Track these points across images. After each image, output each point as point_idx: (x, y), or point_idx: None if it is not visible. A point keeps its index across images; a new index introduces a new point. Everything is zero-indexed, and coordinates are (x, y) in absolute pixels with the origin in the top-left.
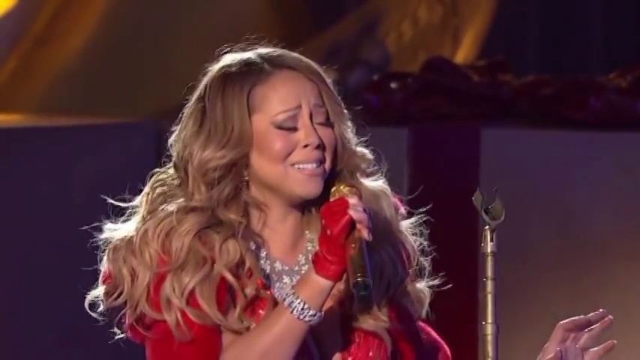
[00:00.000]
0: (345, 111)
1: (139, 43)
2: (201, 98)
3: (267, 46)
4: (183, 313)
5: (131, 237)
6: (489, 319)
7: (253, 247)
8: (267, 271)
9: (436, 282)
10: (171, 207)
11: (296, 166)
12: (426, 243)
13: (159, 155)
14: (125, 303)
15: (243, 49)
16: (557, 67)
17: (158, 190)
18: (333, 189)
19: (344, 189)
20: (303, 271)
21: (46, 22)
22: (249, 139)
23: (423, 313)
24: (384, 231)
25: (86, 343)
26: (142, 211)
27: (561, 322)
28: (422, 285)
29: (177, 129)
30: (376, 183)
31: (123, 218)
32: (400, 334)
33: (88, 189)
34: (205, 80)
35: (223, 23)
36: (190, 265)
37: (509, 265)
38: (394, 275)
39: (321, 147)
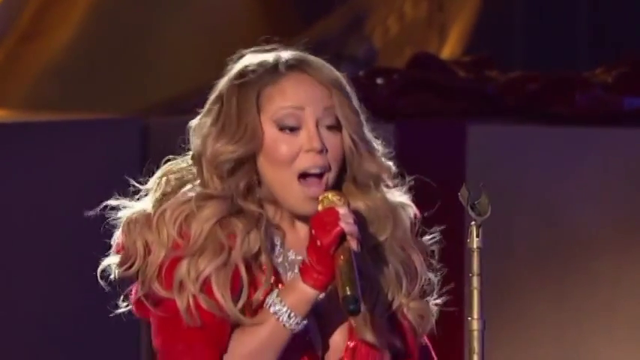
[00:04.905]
0: (363, 119)
1: (124, 38)
2: (220, 97)
3: (289, 49)
4: (195, 299)
5: (149, 213)
6: (475, 315)
7: (271, 240)
8: (280, 260)
9: (439, 301)
10: (191, 193)
11: (301, 179)
12: (435, 262)
13: (144, 151)
14: (135, 275)
15: (267, 51)
16: (543, 62)
17: (172, 176)
18: (321, 197)
19: (333, 197)
20: None
21: (31, 17)
22: (259, 139)
23: (427, 330)
24: (392, 245)
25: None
26: (155, 193)
27: None
28: (428, 303)
29: (195, 126)
30: (396, 197)
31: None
32: (401, 350)
33: (73, 184)
34: (225, 79)
35: (209, 19)
36: (208, 252)
37: (495, 261)
38: (398, 290)
39: (324, 152)
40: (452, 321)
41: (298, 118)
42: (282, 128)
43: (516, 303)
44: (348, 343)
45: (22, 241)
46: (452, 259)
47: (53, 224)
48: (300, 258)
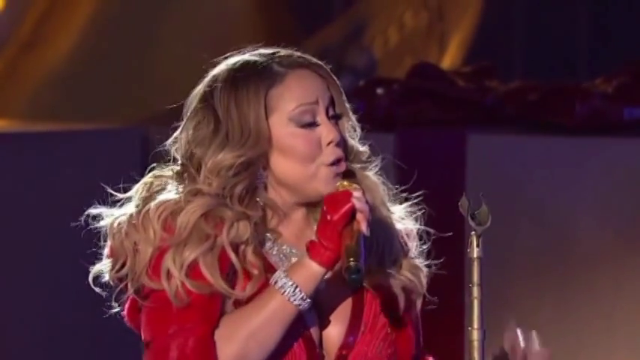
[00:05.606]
0: (348, 105)
1: (125, 48)
2: (209, 102)
3: (265, 48)
4: (183, 284)
5: (132, 214)
6: (475, 325)
7: (263, 237)
8: (275, 252)
9: (430, 261)
10: (178, 191)
11: (330, 167)
12: (421, 227)
13: (145, 161)
14: (126, 276)
15: (243, 53)
16: (543, 72)
17: (156, 181)
18: (337, 184)
19: (348, 185)
20: None
21: (32, 26)
22: (266, 140)
23: (422, 290)
24: (382, 212)
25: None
26: (137, 197)
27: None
28: (418, 262)
29: (176, 133)
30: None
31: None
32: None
33: (73, 195)
34: (210, 83)
35: (210, 30)
36: (193, 241)
37: (495, 271)
38: (390, 251)
39: (341, 143)
40: (452, 331)
41: (313, 112)
42: (302, 125)
43: (516, 313)
44: (348, 337)
45: (22, 250)
46: (452, 269)
47: (53, 234)
48: (295, 251)
